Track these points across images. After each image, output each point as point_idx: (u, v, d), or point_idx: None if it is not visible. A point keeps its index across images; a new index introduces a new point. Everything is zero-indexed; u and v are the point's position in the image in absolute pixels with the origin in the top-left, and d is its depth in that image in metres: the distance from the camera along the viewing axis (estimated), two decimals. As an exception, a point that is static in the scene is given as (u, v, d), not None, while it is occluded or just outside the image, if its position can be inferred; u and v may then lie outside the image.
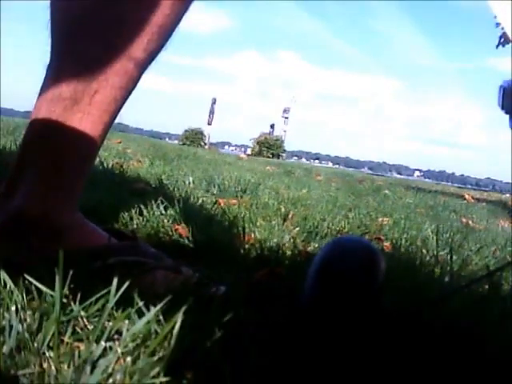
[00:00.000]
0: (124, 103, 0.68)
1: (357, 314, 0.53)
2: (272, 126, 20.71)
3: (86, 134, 0.65)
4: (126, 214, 1.10)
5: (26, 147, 0.67)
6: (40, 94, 0.66)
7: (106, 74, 0.64)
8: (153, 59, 0.68)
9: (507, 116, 0.51)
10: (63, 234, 0.65)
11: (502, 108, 0.51)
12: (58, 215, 0.66)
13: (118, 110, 0.68)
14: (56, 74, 0.65)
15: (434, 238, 1.33)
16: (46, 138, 0.66)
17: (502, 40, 10.28)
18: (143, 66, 0.67)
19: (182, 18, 0.67)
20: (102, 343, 0.39)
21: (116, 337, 0.42)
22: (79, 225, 0.69)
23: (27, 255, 0.63)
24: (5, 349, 0.38)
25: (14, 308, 0.41)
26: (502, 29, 9.45)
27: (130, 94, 0.68)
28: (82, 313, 0.45)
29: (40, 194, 0.65)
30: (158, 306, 0.44)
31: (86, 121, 0.65)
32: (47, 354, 0.38)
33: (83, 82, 0.64)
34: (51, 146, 0.65)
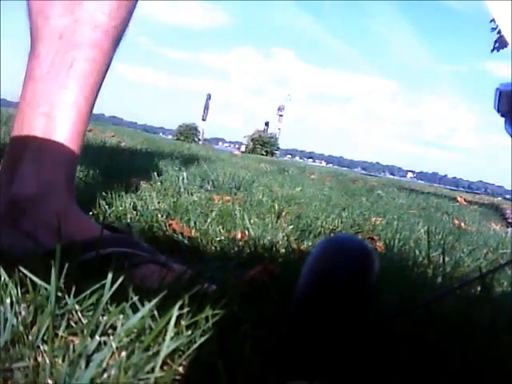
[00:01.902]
0: (102, 79, 0.70)
1: (350, 313, 0.53)
2: (266, 124, 20.68)
3: (70, 107, 0.67)
4: (120, 208, 1.10)
5: (18, 131, 0.68)
6: (25, 76, 0.68)
7: (77, 47, 0.66)
8: (121, 31, 0.70)
9: (503, 119, 0.51)
10: (56, 220, 0.65)
11: (498, 111, 0.51)
12: (52, 201, 0.66)
13: (98, 85, 0.70)
14: (34, 52, 0.68)
15: (427, 238, 1.34)
16: (34, 118, 0.67)
17: (497, 45, 10.34)
18: (111, 35, 0.69)
19: None
20: (97, 338, 0.39)
21: (110, 331, 0.42)
22: (73, 213, 0.69)
23: (21, 242, 0.63)
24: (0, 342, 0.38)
25: (8, 301, 0.41)
26: (498, 33, 9.49)
27: (106, 69, 0.70)
28: (77, 307, 0.44)
29: (33, 179, 0.66)
30: (153, 302, 0.43)
31: (66, 94, 0.66)
32: (42, 348, 0.38)
33: (59, 56, 0.66)
34: (38, 126, 0.66)
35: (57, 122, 0.67)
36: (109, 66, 0.71)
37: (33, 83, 0.67)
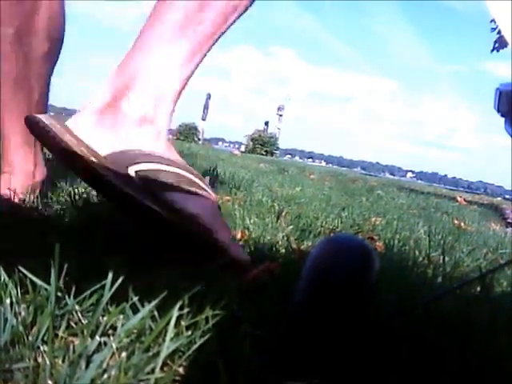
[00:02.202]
0: (213, 45, 0.78)
1: (350, 313, 0.53)
2: (266, 124, 20.69)
3: (187, 58, 0.75)
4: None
5: (137, 53, 0.75)
6: (152, 14, 0.75)
7: (210, 10, 0.74)
8: (245, 10, 0.78)
9: (503, 119, 0.51)
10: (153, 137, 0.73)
11: (498, 111, 0.51)
12: (155, 125, 0.74)
13: (208, 50, 0.77)
14: (170, 5, 0.75)
15: (427, 238, 1.34)
16: (154, 55, 0.74)
17: (497, 45, 10.34)
18: (237, 12, 0.77)
19: None
20: (97, 338, 0.39)
21: (110, 332, 0.42)
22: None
23: (114, 139, 0.70)
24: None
25: (8, 301, 0.41)
26: (498, 33, 9.48)
27: (218, 38, 0.78)
28: (77, 307, 0.44)
29: (142, 102, 0.73)
30: (153, 302, 0.43)
31: (187, 46, 0.75)
32: (42, 349, 0.38)
33: (192, 12, 0.74)
34: (156, 62, 0.74)
35: (172, 65, 0.74)
36: (219, 37, 0.78)
37: (161, 25, 0.74)
